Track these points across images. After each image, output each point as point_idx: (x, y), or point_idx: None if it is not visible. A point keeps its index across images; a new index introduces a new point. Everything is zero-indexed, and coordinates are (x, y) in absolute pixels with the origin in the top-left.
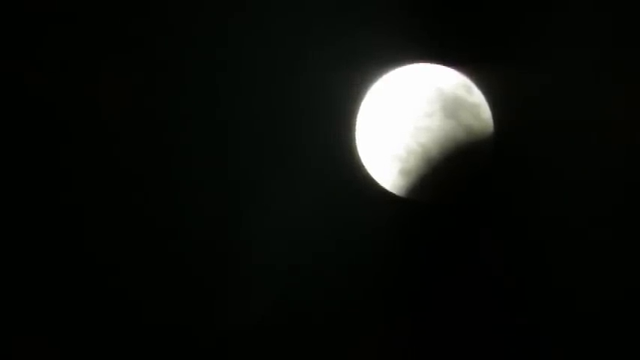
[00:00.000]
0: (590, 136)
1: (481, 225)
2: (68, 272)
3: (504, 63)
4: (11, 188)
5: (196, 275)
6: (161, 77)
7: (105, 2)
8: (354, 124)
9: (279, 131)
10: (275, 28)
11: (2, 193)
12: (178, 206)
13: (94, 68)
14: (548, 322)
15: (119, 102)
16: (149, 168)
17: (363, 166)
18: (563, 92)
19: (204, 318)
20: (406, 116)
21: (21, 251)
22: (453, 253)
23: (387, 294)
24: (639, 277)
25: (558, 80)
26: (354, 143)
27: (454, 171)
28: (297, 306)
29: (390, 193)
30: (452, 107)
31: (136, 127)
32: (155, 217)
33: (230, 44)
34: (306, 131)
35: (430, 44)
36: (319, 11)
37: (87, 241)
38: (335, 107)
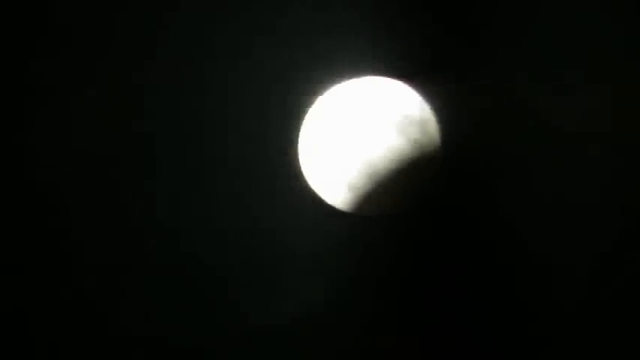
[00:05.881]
0: (539, 149)
1: (431, 237)
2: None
3: (453, 77)
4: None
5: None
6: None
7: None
8: (299, 139)
9: (219, 145)
10: (216, 38)
11: None
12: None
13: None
14: (501, 326)
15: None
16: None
17: (308, 183)
18: (513, 106)
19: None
20: (352, 130)
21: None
22: (403, 266)
23: (336, 309)
24: (603, 289)
25: (508, 94)
26: (299, 158)
27: (401, 185)
28: (238, 329)
29: (337, 209)
30: (399, 121)
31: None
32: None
33: (170, 56)
34: (248, 148)
35: (378, 57)
36: (262, 23)
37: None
38: (279, 122)
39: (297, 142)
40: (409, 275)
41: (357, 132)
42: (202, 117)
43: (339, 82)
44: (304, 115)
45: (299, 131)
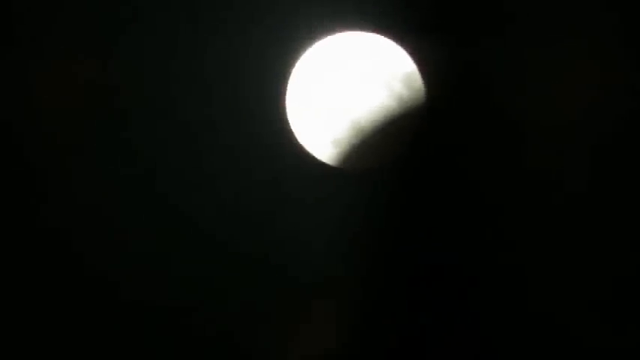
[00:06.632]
0: (523, 110)
1: (417, 190)
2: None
3: (439, 32)
4: None
5: None
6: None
7: None
8: (285, 95)
9: (205, 104)
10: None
11: None
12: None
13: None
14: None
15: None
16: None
17: (296, 138)
18: (499, 65)
19: None
20: (338, 86)
21: None
22: (390, 218)
23: (327, 266)
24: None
25: (495, 52)
26: (285, 114)
27: (385, 140)
28: (231, 283)
29: (324, 163)
30: (384, 76)
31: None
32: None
33: (150, 16)
34: (234, 106)
35: (362, 12)
36: None
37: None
38: (265, 79)
39: (284, 99)
40: (395, 227)
41: (342, 87)
42: (187, 76)
43: (323, 38)
44: (291, 72)
45: (286, 87)
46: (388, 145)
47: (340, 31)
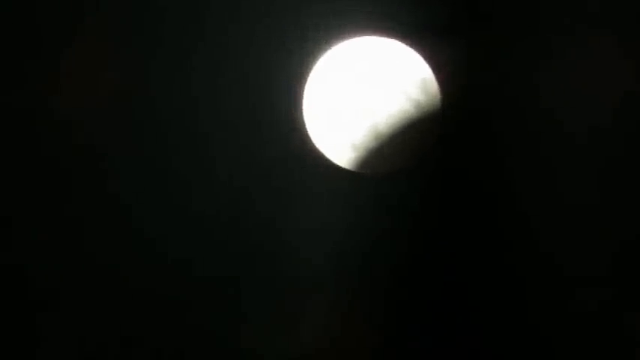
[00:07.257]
0: (541, 111)
1: (431, 195)
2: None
3: (455, 38)
4: None
5: None
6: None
7: None
8: (302, 100)
9: (223, 108)
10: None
11: None
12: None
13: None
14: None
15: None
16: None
17: (313, 143)
18: (515, 70)
19: None
20: (354, 91)
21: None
22: (408, 225)
23: (344, 270)
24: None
25: (511, 57)
26: (303, 119)
27: (403, 144)
28: (249, 286)
29: (342, 167)
30: (400, 81)
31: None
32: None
33: (166, 18)
34: (252, 110)
35: (377, 16)
36: None
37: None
38: (281, 84)
39: (302, 103)
40: (413, 231)
41: (360, 92)
42: (204, 79)
43: (339, 43)
44: (308, 76)
45: (303, 92)
46: (406, 149)
47: (357, 36)
